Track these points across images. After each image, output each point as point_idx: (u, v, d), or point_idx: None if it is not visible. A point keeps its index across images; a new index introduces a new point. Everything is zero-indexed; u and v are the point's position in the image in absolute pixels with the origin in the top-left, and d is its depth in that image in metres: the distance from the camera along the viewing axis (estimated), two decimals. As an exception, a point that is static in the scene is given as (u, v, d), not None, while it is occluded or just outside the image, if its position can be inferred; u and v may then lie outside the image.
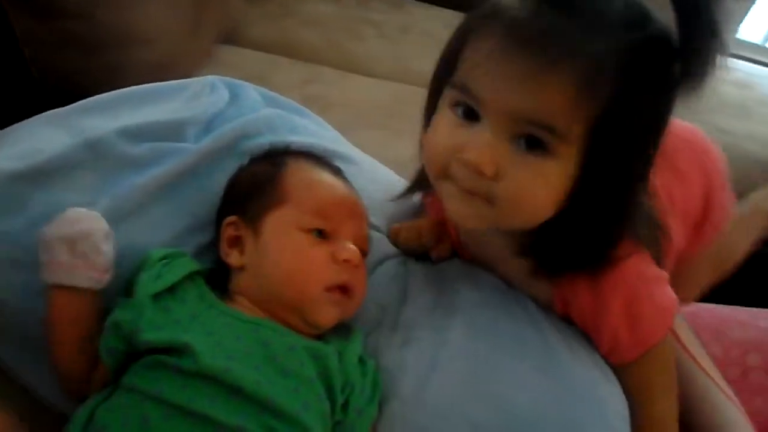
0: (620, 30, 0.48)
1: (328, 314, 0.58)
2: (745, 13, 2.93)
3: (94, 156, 0.62)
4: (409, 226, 0.76)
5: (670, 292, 0.62)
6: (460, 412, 0.58)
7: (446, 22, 2.02)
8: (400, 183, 0.83)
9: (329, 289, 0.58)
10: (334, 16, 1.66)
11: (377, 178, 0.81)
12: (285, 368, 0.52)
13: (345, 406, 0.56)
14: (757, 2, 2.77)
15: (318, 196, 0.61)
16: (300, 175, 0.63)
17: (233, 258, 0.60)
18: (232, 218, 0.61)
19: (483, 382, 0.60)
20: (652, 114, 0.51)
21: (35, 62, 0.88)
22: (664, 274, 0.63)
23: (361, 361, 0.60)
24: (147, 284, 0.55)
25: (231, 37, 1.40)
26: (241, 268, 0.60)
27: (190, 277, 0.58)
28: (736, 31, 2.97)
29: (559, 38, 0.47)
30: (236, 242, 0.61)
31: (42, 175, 0.59)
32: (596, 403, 0.61)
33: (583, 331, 0.66)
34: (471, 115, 0.52)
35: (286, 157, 0.66)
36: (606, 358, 0.64)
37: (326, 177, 0.65)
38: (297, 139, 0.73)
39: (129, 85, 0.74)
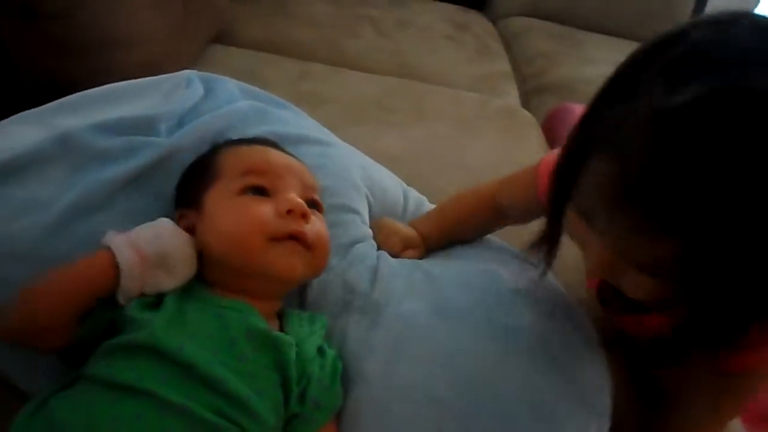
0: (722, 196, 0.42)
1: (287, 263, 0.58)
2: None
3: (65, 150, 0.64)
4: (385, 228, 0.78)
5: None
6: (424, 390, 0.58)
7: (445, 15, 2.04)
8: (376, 167, 0.84)
9: (275, 239, 0.57)
10: (331, 15, 1.67)
11: (353, 161, 0.82)
12: (242, 354, 0.53)
13: (302, 397, 0.56)
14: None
15: (246, 159, 0.63)
16: (230, 153, 0.65)
17: None
18: (180, 211, 0.63)
19: (448, 363, 0.60)
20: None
21: (19, 63, 0.90)
22: None
23: (321, 351, 0.60)
24: None
25: (223, 37, 1.41)
26: (199, 254, 0.60)
27: None
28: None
29: (669, 203, 0.43)
30: (192, 231, 0.61)
31: (14, 170, 0.61)
32: (568, 383, 0.62)
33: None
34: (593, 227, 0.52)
35: (223, 146, 0.67)
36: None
37: (256, 147, 0.66)
38: (267, 129, 0.74)
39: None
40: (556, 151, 0.68)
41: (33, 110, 0.70)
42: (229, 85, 0.81)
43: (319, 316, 0.64)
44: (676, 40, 0.45)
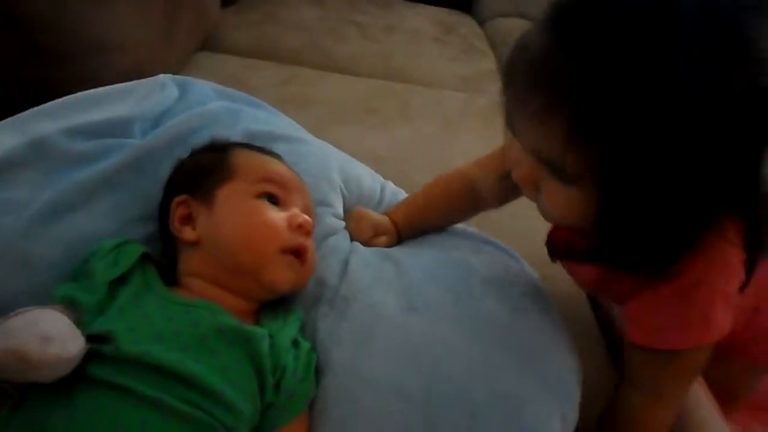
0: (622, 71, 0.44)
1: (284, 276, 0.62)
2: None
3: (38, 154, 0.65)
4: (356, 215, 0.79)
5: (721, 314, 0.59)
6: (390, 381, 0.59)
7: (432, 18, 2.05)
8: (349, 161, 0.86)
9: (284, 251, 0.61)
10: (318, 20, 1.69)
11: (327, 156, 0.83)
12: (213, 348, 0.54)
13: (276, 388, 0.57)
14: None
15: (265, 167, 0.67)
16: (244, 155, 0.68)
17: (186, 233, 0.63)
18: (181, 197, 0.64)
19: (415, 354, 0.61)
20: (680, 145, 0.45)
21: (4, 72, 0.92)
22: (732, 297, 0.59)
23: (295, 343, 0.61)
24: (104, 272, 0.58)
25: (211, 44, 1.43)
26: (195, 243, 0.63)
27: (142, 263, 0.61)
28: None
29: (558, 82, 0.47)
30: (187, 219, 0.64)
31: (-13, 176, 0.63)
32: (534, 372, 0.63)
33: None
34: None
35: (229, 146, 0.70)
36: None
37: (268, 157, 0.70)
38: (240, 127, 0.76)
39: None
40: None
41: (10, 119, 0.72)
42: (204, 87, 0.83)
43: (294, 309, 0.66)
44: None
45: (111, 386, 0.50)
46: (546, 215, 0.60)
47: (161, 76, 0.81)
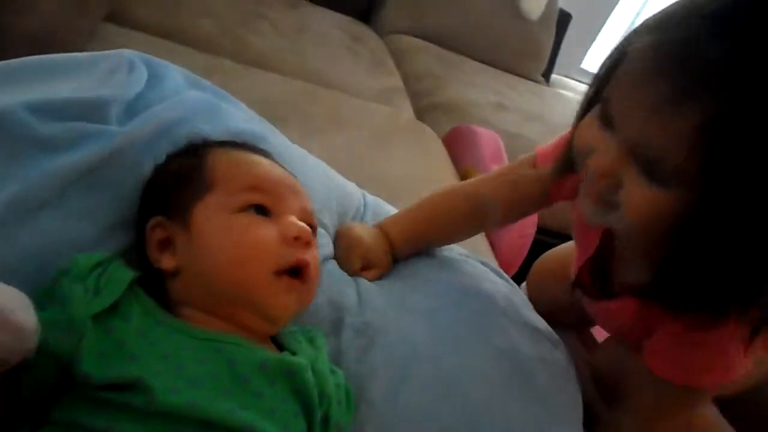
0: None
1: (284, 302, 0.51)
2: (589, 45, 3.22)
3: (-3, 132, 0.51)
4: (344, 241, 0.72)
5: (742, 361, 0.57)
6: (430, 415, 0.56)
7: (338, 25, 2.01)
8: (331, 173, 0.80)
9: (279, 272, 0.50)
10: (228, 9, 1.57)
11: (309, 165, 0.76)
12: (257, 389, 0.46)
13: (325, 421, 0.50)
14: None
15: (248, 171, 0.55)
16: (224, 158, 0.56)
17: (165, 262, 0.51)
18: (156, 219, 0.53)
19: (451, 387, 0.59)
20: None
21: None
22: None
23: (332, 370, 0.55)
24: (84, 301, 0.45)
25: (115, 16, 1.26)
26: (177, 272, 0.51)
27: (130, 287, 0.49)
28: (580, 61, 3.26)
29: (697, 70, 0.42)
30: (166, 244, 0.52)
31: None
32: (556, 403, 0.64)
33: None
34: (608, 123, 0.51)
35: (207, 147, 0.58)
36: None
37: (254, 157, 0.58)
38: (222, 126, 0.66)
39: (3, 56, 0.61)
40: (547, 145, 0.71)
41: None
42: (174, 72, 0.71)
43: (315, 332, 0.58)
44: None
45: None
46: (599, 218, 0.55)
47: (125, 51, 0.68)
